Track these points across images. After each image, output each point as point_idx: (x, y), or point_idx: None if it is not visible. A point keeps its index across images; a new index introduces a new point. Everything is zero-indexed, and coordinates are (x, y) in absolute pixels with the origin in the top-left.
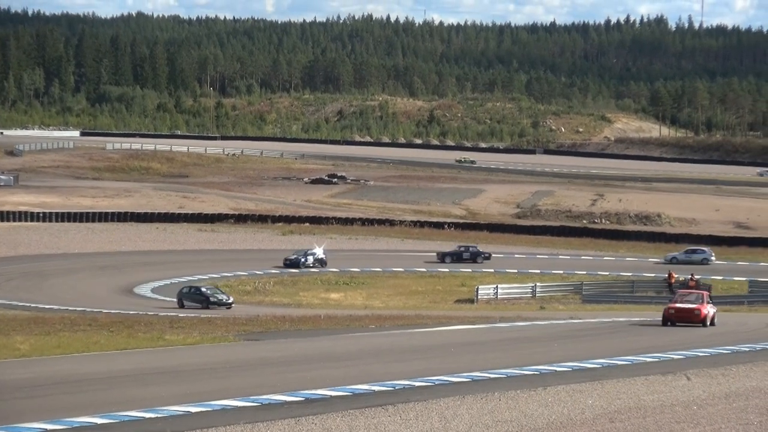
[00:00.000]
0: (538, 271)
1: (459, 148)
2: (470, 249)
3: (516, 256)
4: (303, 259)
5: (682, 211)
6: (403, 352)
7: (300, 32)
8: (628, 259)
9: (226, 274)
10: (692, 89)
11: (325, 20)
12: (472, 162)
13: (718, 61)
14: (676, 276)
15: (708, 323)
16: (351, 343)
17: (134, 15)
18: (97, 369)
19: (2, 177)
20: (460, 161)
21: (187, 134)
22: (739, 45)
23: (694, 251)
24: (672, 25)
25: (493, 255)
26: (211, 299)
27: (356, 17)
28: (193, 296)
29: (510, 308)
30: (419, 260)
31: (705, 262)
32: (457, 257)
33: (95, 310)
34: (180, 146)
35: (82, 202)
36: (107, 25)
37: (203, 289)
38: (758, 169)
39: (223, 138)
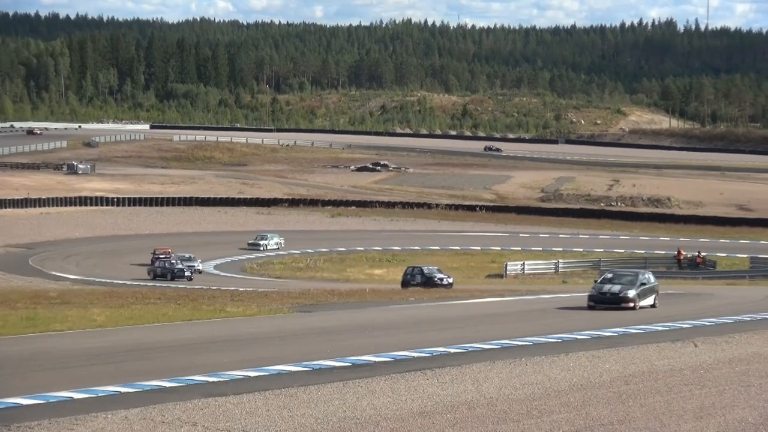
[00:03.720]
0: (561, 249)
1: (490, 138)
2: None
3: (541, 235)
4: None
5: (690, 194)
6: (440, 322)
7: (347, 35)
8: (641, 238)
9: (281, 253)
10: (699, 85)
11: (369, 24)
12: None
13: (722, 60)
14: (684, 253)
15: None
16: (393, 315)
17: (198, 20)
18: (166, 338)
19: (81, 166)
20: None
21: (246, 127)
22: (742, 45)
23: None
24: (680, 27)
25: (520, 234)
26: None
27: (397, 21)
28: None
29: (535, 282)
30: (454, 239)
31: None
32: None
33: (163, 285)
34: (239, 138)
35: (152, 189)
36: (174, 30)
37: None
38: None
39: (278, 130)
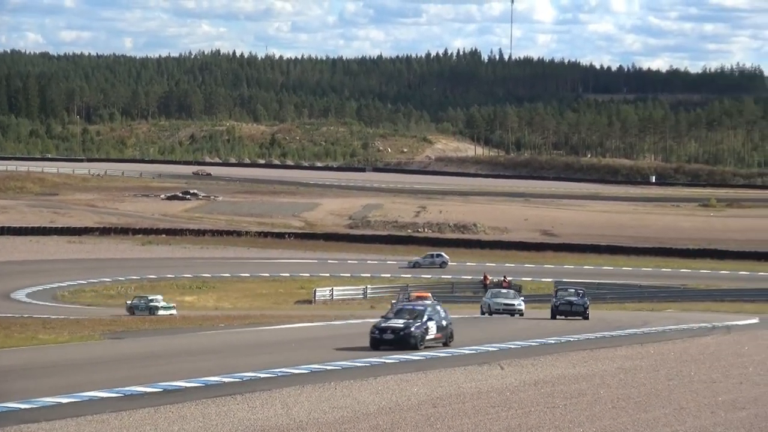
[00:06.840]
0: (369, 275)
1: (298, 167)
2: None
3: (349, 261)
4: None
5: (495, 220)
6: (250, 347)
7: (156, 66)
8: (448, 263)
9: (92, 281)
10: (503, 113)
11: (178, 55)
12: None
13: (525, 89)
14: (490, 278)
15: None
16: (204, 340)
17: (9, 51)
18: None
19: None
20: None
21: (57, 157)
22: (543, 74)
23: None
24: (485, 57)
25: (329, 261)
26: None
27: (205, 53)
28: None
29: (344, 308)
30: (264, 266)
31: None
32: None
33: None
34: (50, 168)
35: None
36: None
37: None
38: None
39: (89, 160)
